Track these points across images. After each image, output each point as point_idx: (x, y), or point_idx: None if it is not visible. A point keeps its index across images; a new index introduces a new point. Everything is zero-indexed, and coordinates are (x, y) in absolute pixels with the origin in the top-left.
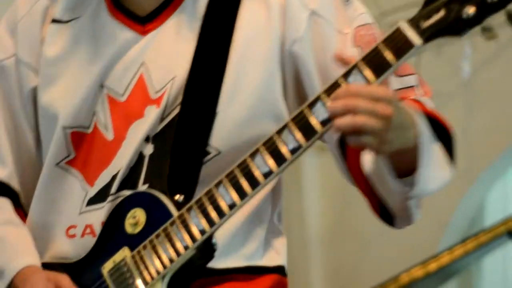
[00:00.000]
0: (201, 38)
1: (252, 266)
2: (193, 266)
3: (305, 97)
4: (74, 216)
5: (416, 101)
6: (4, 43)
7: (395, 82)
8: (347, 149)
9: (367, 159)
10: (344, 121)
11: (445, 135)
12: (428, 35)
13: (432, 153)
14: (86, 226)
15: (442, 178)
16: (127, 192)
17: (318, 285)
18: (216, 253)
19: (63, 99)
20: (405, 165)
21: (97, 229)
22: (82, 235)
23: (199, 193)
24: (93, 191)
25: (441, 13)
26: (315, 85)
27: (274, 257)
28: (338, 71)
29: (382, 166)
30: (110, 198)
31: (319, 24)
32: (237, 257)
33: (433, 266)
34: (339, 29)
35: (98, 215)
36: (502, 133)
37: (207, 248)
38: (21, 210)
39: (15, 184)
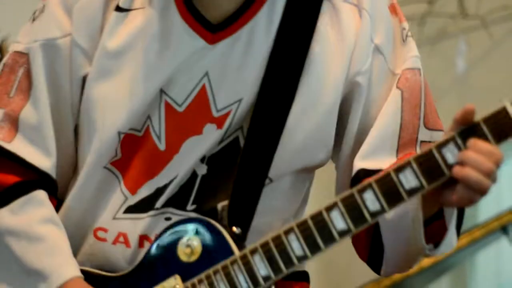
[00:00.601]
0: (272, 56)
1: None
2: None
3: (340, 128)
4: (107, 219)
5: None
6: (59, 20)
7: (425, 134)
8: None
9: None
10: (473, 174)
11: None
12: None
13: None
14: (119, 234)
15: (452, 243)
16: (173, 210)
17: (311, 282)
18: None
19: (118, 99)
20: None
21: (132, 240)
22: (114, 242)
23: (258, 230)
24: (134, 199)
25: None
26: (357, 117)
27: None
28: (377, 110)
29: (419, 220)
30: (153, 212)
31: (379, 60)
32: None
33: (426, 261)
34: (392, 69)
35: (136, 225)
36: None
37: None
38: (54, 199)
39: (56, 176)
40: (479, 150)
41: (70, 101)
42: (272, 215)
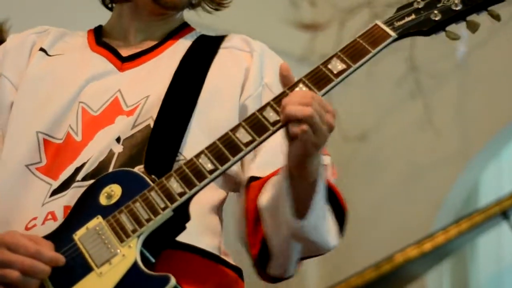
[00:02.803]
0: (178, 71)
1: (215, 254)
2: (167, 233)
3: None
4: (36, 208)
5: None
6: None
7: None
8: (249, 191)
9: (266, 196)
10: (297, 107)
11: (341, 215)
12: (401, 32)
13: (325, 208)
14: (48, 213)
15: (327, 236)
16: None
17: (311, 267)
18: (185, 232)
19: (40, 109)
20: (302, 206)
21: (59, 213)
22: (43, 223)
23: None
24: (56, 183)
25: (412, 16)
26: None
27: (230, 260)
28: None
29: (282, 194)
30: (75, 184)
31: (269, 94)
32: (203, 242)
33: (428, 246)
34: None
35: (60, 201)
36: (497, 114)
37: (182, 214)
38: None
39: None
40: (290, 95)
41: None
42: None
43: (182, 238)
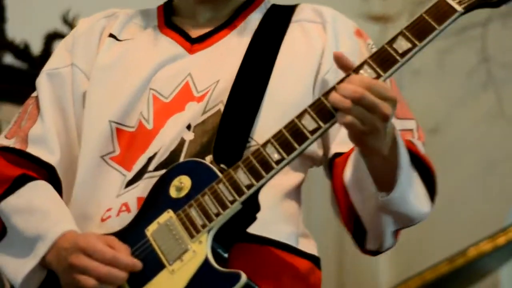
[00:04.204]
0: (247, 53)
1: (290, 245)
2: (237, 225)
3: None
4: (111, 199)
5: (410, 141)
6: (62, 56)
7: (396, 123)
8: (334, 168)
9: (349, 171)
10: (339, 98)
11: (429, 178)
12: (467, 5)
13: (410, 177)
14: (122, 205)
15: (417, 205)
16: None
17: (383, 260)
18: (258, 223)
19: (111, 98)
20: (386, 179)
21: (132, 204)
22: (118, 214)
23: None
24: (131, 174)
25: None
26: None
27: (309, 248)
28: None
29: (362, 169)
30: (147, 175)
31: None
32: (277, 232)
33: (501, 239)
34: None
35: (133, 192)
36: None
37: (252, 206)
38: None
39: (60, 174)
40: (348, 80)
41: (74, 115)
42: None
43: (254, 229)
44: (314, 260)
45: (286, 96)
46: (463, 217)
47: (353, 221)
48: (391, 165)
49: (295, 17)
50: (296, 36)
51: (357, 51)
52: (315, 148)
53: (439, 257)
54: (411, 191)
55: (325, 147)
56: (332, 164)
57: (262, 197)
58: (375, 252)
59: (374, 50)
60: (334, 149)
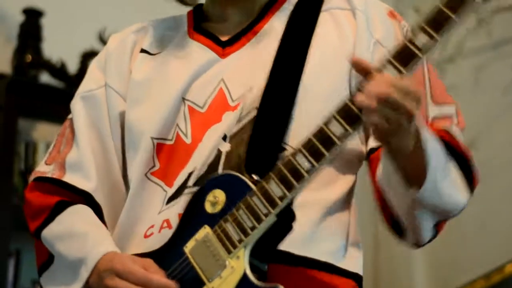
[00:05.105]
0: (278, 53)
1: (332, 264)
2: (274, 236)
3: None
4: (154, 217)
5: (445, 131)
6: (95, 77)
7: (434, 110)
8: (370, 164)
9: (380, 167)
10: (363, 99)
11: (466, 166)
12: None
13: (443, 168)
14: (163, 222)
15: (453, 197)
16: None
17: (419, 278)
18: (298, 240)
19: (150, 114)
20: (416, 174)
21: (174, 221)
22: (159, 231)
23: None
24: (171, 190)
25: None
26: None
27: (354, 264)
28: None
29: (390, 167)
30: (187, 190)
31: (381, 52)
32: (318, 251)
33: None
34: None
35: (174, 209)
36: None
37: (287, 216)
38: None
39: (98, 199)
40: (372, 80)
41: (111, 137)
42: None
43: (295, 248)
44: (356, 278)
45: (319, 94)
46: (500, 233)
47: (391, 217)
48: (420, 161)
49: (324, 6)
50: (327, 28)
51: (393, 34)
52: (358, 145)
53: (475, 274)
54: (444, 183)
55: (366, 142)
56: (369, 160)
57: (304, 216)
58: (415, 245)
59: (408, 32)
60: (369, 144)
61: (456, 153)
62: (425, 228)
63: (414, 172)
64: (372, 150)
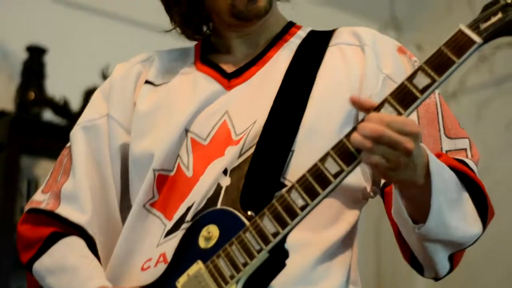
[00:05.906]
0: (282, 87)
1: None
2: (266, 273)
3: None
4: (152, 249)
5: (459, 161)
6: (98, 106)
7: (448, 143)
8: (385, 197)
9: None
10: (359, 139)
11: (481, 198)
12: (487, 35)
13: (452, 199)
14: (160, 255)
15: (463, 228)
16: None
17: None
18: (295, 281)
19: (154, 146)
20: (426, 208)
21: (169, 255)
22: (155, 265)
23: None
24: (171, 224)
25: (499, 15)
26: None
27: None
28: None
29: (399, 201)
30: (184, 225)
31: (391, 86)
32: None
33: None
34: None
35: (171, 243)
36: None
37: (279, 253)
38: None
39: (92, 232)
40: (367, 119)
41: (111, 169)
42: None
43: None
44: None
45: (321, 130)
46: (506, 266)
47: (410, 253)
48: (421, 195)
49: (333, 41)
50: (334, 62)
51: (403, 69)
52: (362, 182)
53: None
54: (453, 215)
55: (375, 176)
56: (383, 194)
57: (303, 257)
58: (434, 278)
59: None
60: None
61: (471, 183)
62: (439, 261)
63: (423, 204)
64: (386, 184)
